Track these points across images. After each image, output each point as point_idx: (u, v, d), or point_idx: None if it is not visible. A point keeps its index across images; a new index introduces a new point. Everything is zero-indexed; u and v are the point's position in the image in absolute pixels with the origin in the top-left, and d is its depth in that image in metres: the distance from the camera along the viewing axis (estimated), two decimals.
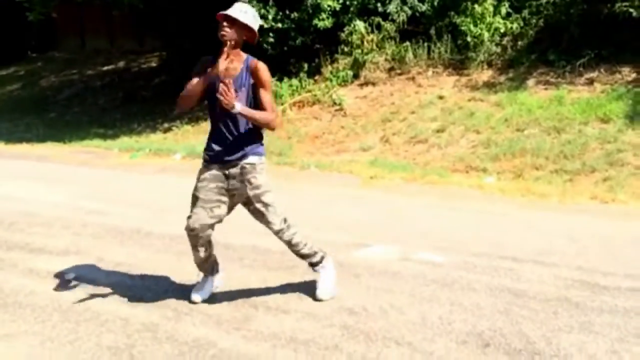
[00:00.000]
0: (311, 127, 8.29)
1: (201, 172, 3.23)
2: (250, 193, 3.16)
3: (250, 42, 3.18)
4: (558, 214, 4.85)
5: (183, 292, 3.48)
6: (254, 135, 3.20)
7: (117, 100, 11.74)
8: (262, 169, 3.21)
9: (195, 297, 3.38)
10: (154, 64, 13.48)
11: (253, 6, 8.48)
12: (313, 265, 3.42)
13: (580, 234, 4.32)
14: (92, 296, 3.48)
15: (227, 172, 3.17)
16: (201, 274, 3.46)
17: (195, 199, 3.20)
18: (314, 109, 8.79)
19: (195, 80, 3.10)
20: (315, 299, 3.33)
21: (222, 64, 3.02)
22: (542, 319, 3.00)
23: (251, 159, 3.17)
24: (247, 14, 3.08)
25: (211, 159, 3.20)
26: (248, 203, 3.22)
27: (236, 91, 3.04)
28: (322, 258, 3.42)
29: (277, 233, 3.26)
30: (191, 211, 3.19)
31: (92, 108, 11.58)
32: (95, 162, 7.66)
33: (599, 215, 4.80)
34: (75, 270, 3.85)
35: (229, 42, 3.02)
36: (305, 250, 3.35)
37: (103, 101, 11.89)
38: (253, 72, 3.12)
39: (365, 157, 7.02)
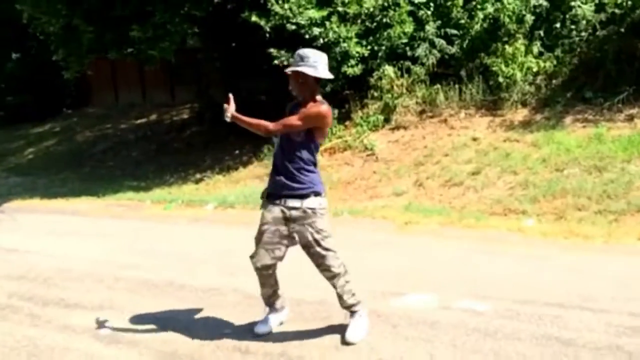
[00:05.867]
0: (343, 173, 8.33)
1: (263, 215, 3.38)
2: (311, 237, 3.27)
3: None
4: (604, 256, 4.71)
5: (218, 346, 3.48)
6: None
7: (150, 153, 12.07)
8: (322, 213, 3.31)
9: (260, 329, 3.56)
10: (185, 116, 13.88)
11: (280, 56, 8.73)
12: (352, 311, 3.46)
13: (629, 277, 4.18)
14: (127, 352, 3.51)
15: (288, 214, 3.29)
16: (267, 309, 3.62)
17: (258, 240, 3.38)
18: (345, 155, 8.86)
19: None
20: (344, 341, 3.36)
21: None
22: None
23: (311, 201, 3.27)
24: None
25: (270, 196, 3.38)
26: (308, 246, 3.32)
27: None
28: (360, 306, 3.48)
29: (333, 278, 3.34)
30: (255, 252, 3.38)
31: (125, 161, 11.93)
32: (128, 214, 7.82)
33: None
34: (110, 325, 3.89)
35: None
36: (351, 300, 3.42)
37: (136, 154, 12.25)
38: None
39: (399, 202, 6.99)
